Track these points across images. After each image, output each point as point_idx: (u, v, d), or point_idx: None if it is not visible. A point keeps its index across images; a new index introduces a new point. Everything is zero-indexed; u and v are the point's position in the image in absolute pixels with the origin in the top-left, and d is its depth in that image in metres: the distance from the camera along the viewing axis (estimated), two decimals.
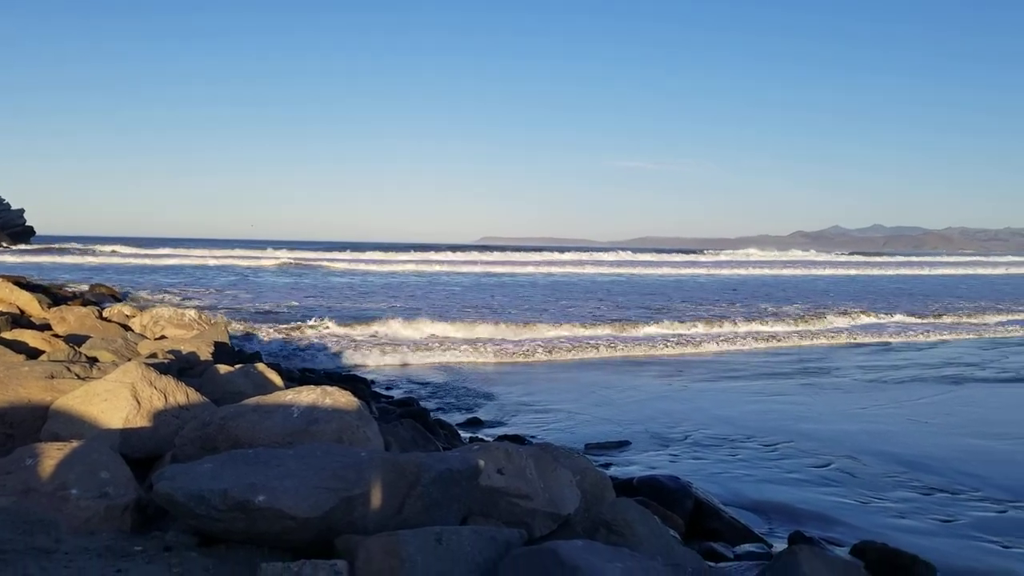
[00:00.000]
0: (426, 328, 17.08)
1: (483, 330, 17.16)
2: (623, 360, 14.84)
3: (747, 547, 5.68)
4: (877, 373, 13.60)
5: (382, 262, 53.43)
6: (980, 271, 59.92)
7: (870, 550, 5.29)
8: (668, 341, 16.61)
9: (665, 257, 76.50)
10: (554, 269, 50.14)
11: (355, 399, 4.15)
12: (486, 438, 8.28)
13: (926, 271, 59.01)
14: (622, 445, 8.65)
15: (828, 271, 55.63)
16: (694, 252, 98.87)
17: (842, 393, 11.74)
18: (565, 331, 17.71)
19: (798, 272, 52.94)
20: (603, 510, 3.34)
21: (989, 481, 7.37)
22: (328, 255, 63.50)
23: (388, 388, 11.75)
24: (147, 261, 50.07)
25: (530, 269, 49.48)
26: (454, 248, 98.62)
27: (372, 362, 14.00)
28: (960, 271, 60.04)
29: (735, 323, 19.95)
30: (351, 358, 14.25)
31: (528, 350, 15.01)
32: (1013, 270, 61.05)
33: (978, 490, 7.14)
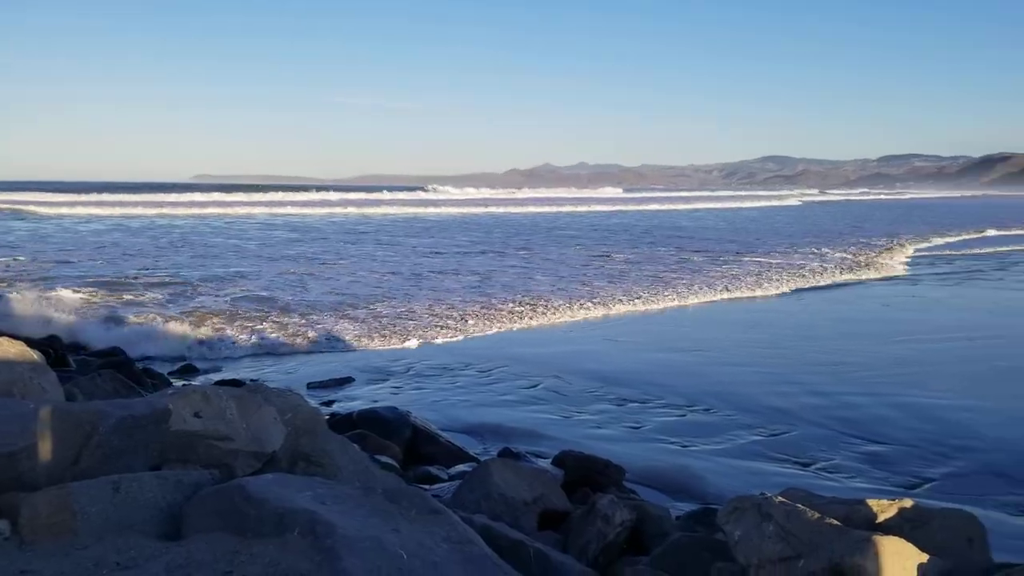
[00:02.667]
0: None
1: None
2: None
3: (461, 467, 6.01)
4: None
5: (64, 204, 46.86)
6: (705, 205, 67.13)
7: (569, 458, 5.80)
8: None
9: (390, 195, 76.02)
10: (274, 210, 47.84)
11: (29, 350, 3.78)
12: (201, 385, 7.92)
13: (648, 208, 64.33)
14: (344, 382, 8.68)
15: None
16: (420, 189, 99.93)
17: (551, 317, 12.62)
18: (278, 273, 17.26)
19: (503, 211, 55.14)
20: (303, 443, 3.36)
21: (672, 390, 8.34)
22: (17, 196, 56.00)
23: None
24: None
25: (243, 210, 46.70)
26: (156, 188, 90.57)
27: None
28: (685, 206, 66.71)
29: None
30: None
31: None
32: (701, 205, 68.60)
33: (662, 398, 8.06)
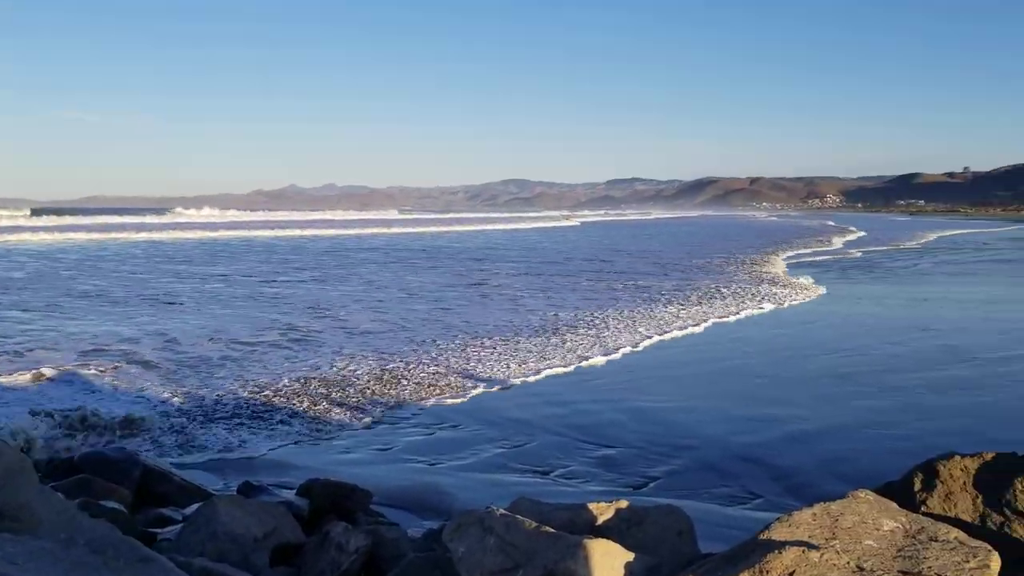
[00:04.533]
0: None
1: None
2: None
3: (196, 506, 5.67)
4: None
5: None
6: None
7: (315, 486, 5.67)
8: None
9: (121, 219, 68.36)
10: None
11: None
12: None
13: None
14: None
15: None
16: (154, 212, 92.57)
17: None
18: None
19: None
20: None
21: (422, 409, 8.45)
22: None
23: None
24: None
25: None
26: None
27: None
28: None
29: None
30: None
31: None
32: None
33: (412, 418, 8.14)
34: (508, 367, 10.22)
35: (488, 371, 10.01)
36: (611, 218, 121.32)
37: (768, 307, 16.05)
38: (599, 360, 10.78)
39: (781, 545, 2.46)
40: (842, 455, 6.95)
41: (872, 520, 2.77)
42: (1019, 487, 3.43)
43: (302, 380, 9.31)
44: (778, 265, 27.00)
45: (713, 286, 19.50)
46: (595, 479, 6.45)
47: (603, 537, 3.27)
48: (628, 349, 11.50)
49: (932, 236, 54.60)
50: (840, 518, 2.76)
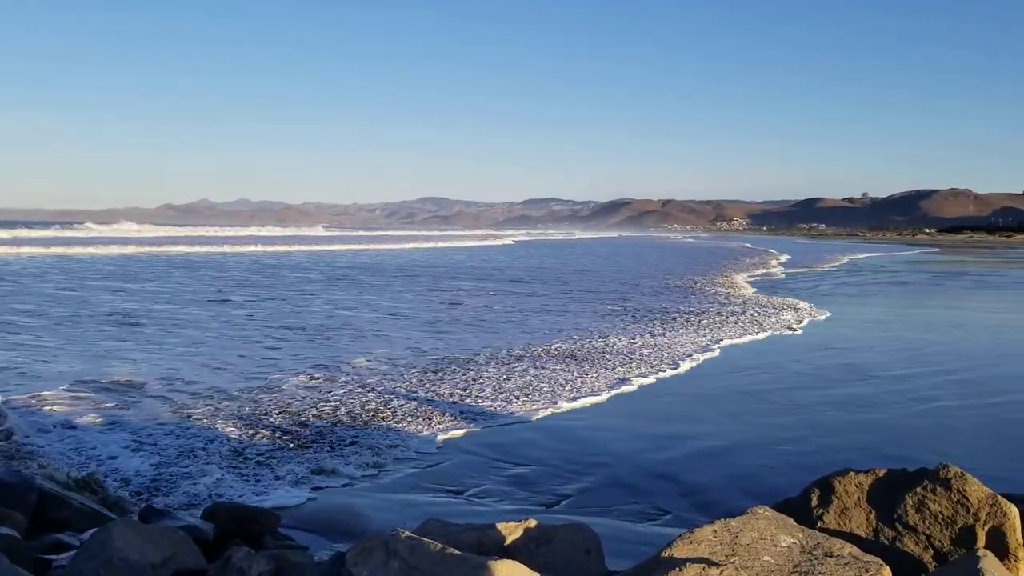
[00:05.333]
0: None
1: None
2: None
3: (92, 532, 5.44)
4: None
5: None
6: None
7: (220, 510, 5.50)
8: None
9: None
10: None
11: None
12: None
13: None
14: None
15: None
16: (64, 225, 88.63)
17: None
18: None
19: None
20: None
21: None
22: None
23: None
24: None
25: None
26: None
27: None
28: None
29: None
30: None
31: None
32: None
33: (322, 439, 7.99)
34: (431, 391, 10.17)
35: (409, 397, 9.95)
36: (539, 238, 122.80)
37: (765, 334, 15.81)
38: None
39: (682, 563, 2.51)
40: (749, 471, 7.13)
41: (770, 536, 2.85)
42: (910, 502, 3.58)
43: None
44: (744, 287, 27.69)
45: (713, 309, 19.78)
46: (508, 498, 6.44)
47: (511, 557, 3.27)
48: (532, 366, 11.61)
49: (845, 259, 58.64)
50: (740, 534, 2.83)
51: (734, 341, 14.49)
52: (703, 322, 16.99)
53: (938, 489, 3.52)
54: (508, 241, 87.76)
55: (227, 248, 50.07)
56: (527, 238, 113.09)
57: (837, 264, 50.55)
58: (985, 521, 3.45)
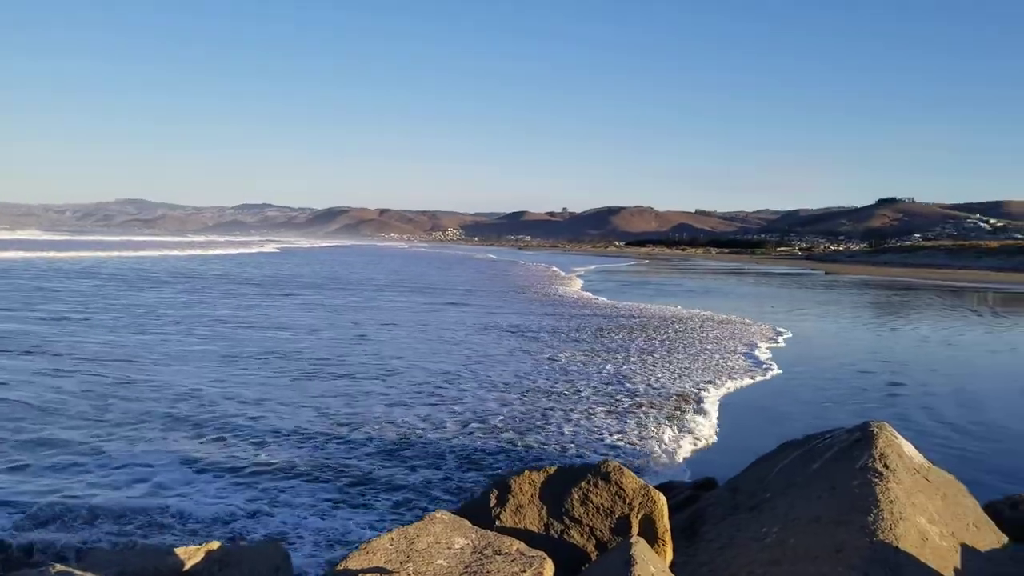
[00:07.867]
0: None
1: None
2: None
3: None
4: None
5: None
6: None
7: None
8: None
9: None
10: None
11: None
12: None
13: None
14: None
15: None
16: None
17: None
18: None
19: None
20: None
21: None
22: None
23: None
24: None
25: None
26: None
27: None
28: None
29: None
30: None
31: None
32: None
33: None
34: None
35: None
36: (303, 245, 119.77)
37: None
38: None
39: (355, 574, 2.50)
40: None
41: (445, 540, 2.94)
42: (575, 496, 3.89)
43: None
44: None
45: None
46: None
47: None
48: None
49: (594, 266, 69.64)
50: (416, 540, 2.89)
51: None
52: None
53: (599, 483, 3.86)
54: (275, 249, 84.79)
55: None
56: (291, 246, 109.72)
57: (594, 269, 62.80)
58: (638, 510, 3.84)
